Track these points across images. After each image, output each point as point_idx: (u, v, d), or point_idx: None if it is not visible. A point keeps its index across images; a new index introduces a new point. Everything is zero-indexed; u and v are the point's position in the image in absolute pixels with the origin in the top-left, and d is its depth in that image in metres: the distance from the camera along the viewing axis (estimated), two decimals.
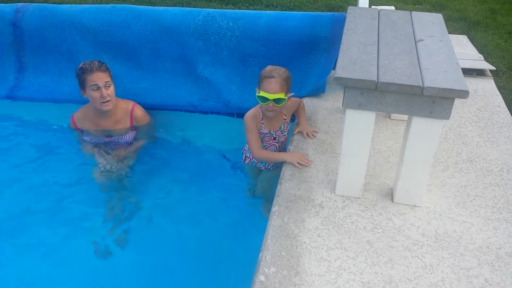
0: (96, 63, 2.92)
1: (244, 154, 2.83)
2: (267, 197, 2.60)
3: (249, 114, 2.62)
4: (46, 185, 3.03)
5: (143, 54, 3.39)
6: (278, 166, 2.72)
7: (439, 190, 2.24)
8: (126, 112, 3.12)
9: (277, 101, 2.44)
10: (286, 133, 2.69)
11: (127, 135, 3.15)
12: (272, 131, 2.63)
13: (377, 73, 1.93)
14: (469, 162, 2.45)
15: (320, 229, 2.00)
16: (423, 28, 2.43)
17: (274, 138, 2.66)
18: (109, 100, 2.94)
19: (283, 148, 2.72)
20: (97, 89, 2.90)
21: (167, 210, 2.83)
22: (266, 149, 2.66)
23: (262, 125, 2.61)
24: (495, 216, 2.08)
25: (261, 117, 2.59)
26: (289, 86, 2.49)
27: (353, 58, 2.05)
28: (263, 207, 2.69)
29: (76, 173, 3.12)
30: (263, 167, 2.78)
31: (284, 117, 2.67)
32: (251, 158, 2.75)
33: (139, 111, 3.16)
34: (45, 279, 2.43)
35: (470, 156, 2.50)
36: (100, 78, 2.89)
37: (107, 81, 2.93)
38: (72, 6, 3.55)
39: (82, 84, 2.94)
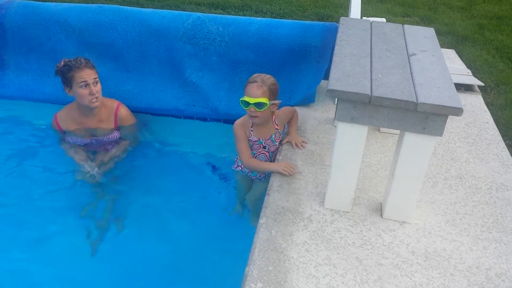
0: (83, 60, 2.85)
1: (236, 162, 2.78)
2: (257, 210, 2.52)
3: (238, 122, 2.58)
4: (23, 186, 2.94)
5: (129, 56, 3.31)
6: (269, 177, 2.67)
7: (429, 207, 2.21)
8: (111, 111, 3.04)
9: (258, 105, 2.40)
10: (277, 143, 2.64)
11: (111, 135, 3.07)
12: (261, 139, 2.58)
13: (371, 87, 1.89)
14: (458, 179, 2.43)
15: (308, 244, 1.95)
16: (416, 42, 2.41)
17: (264, 147, 2.61)
18: (97, 97, 2.88)
19: (274, 158, 2.66)
20: (85, 86, 2.83)
21: (148, 219, 2.75)
22: (256, 157, 2.62)
23: (252, 132, 2.57)
24: (485, 236, 2.06)
25: (251, 124, 2.55)
26: (273, 93, 2.45)
27: (346, 70, 2.01)
28: (252, 220, 2.63)
29: (56, 175, 3.03)
30: (254, 177, 2.72)
31: (276, 126, 2.62)
32: (242, 166, 2.70)
33: (124, 111, 3.08)
34: (26, 278, 2.36)
35: (459, 172, 2.48)
36: (89, 75, 2.83)
37: (95, 78, 2.87)
38: (58, 4, 3.44)
39: (69, 82, 2.84)
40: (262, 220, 2.06)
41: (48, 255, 2.51)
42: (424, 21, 5.92)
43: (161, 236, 2.64)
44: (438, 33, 5.51)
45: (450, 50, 4.29)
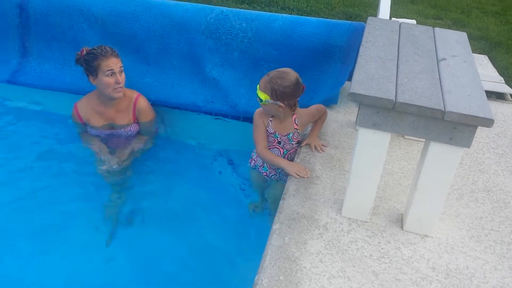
0: (108, 48, 2.82)
1: (252, 157, 2.73)
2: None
3: (259, 109, 2.54)
4: (41, 179, 2.92)
5: (150, 49, 3.25)
6: (281, 178, 2.60)
7: (453, 221, 2.09)
8: (130, 102, 3.01)
9: (259, 97, 2.40)
10: (295, 143, 2.55)
11: (129, 128, 3.03)
12: (278, 133, 2.51)
13: (395, 92, 1.79)
14: (485, 192, 2.30)
15: (322, 254, 1.86)
16: (446, 46, 2.29)
17: (279, 142, 2.54)
18: (121, 87, 2.85)
19: (290, 158, 2.58)
20: (112, 75, 2.80)
21: (164, 215, 2.73)
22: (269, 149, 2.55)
23: (270, 123, 2.52)
24: (511, 254, 1.94)
25: (271, 115, 2.50)
26: (277, 95, 2.35)
27: (371, 73, 1.90)
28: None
29: (74, 167, 3.01)
30: (264, 173, 2.66)
31: (296, 126, 2.53)
32: (256, 160, 2.66)
33: (143, 102, 3.04)
34: (42, 273, 2.34)
35: (487, 185, 2.35)
36: (115, 63, 2.80)
37: (121, 66, 2.85)
38: None
39: (94, 70, 2.80)
40: (275, 226, 1.97)
41: (60, 249, 2.48)
42: (456, 25, 5.73)
43: (173, 234, 2.60)
44: (470, 37, 5.31)
45: (482, 56, 4.13)
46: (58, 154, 3.12)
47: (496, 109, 3.11)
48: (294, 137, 2.54)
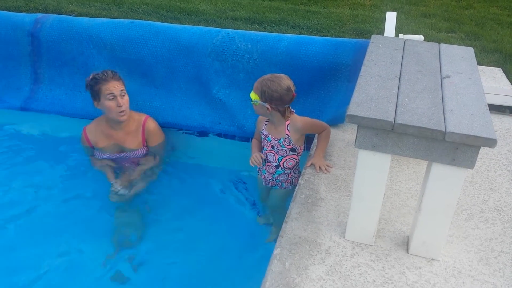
0: (109, 72, 2.89)
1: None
2: (275, 222, 2.66)
3: None
4: (51, 201, 2.98)
5: (158, 72, 3.30)
6: (277, 184, 2.70)
7: (461, 242, 2.03)
8: (139, 124, 3.04)
9: (250, 97, 2.50)
10: (287, 149, 2.58)
11: (139, 151, 3.05)
12: (271, 136, 2.59)
13: (395, 113, 1.75)
14: (496, 212, 2.23)
15: (324, 280, 1.82)
16: (452, 63, 2.24)
17: (273, 147, 2.59)
18: (124, 110, 2.88)
19: (285, 166, 2.63)
20: (112, 98, 2.84)
21: (173, 236, 2.76)
22: (265, 154, 2.64)
23: (265, 126, 2.62)
24: None
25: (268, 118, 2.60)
26: (265, 96, 2.42)
27: (370, 94, 1.88)
28: (272, 233, 2.68)
29: (83, 191, 3.05)
30: (263, 176, 2.73)
31: (287, 132, 2.55)
32: (261, 172, 2.76)
33: (151, 123, 3.08)
34: None
35: (498, 204, 2.28)
36: (115, 86, 2.85)
37: (122, 90, 2.89)
38: (91, 19, 3.49)
39: (97, 95, 2.87)
40: (276, 251, 1.94)
41: (71, 274, 2.51)
42: (470, 38, 5.65)
43: (182, 254, 2.63)
44: (485, 50, 5.25)
45: (496, 68, 4.04)
46: (67, 177, 3.17)
47: (510, 124, 3.03)
48: (286, 143, 2.56)
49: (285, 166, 2.62)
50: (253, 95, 2.47)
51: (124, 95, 2.89)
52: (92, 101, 2.94)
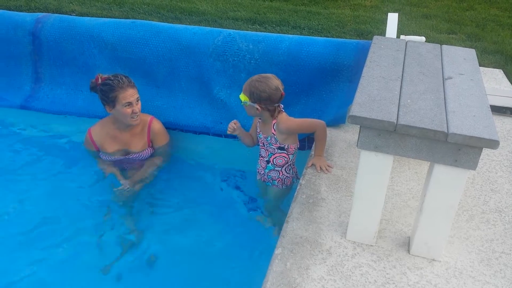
0: (125, 79, 2.83)
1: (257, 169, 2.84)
2: (271, 215, 2.77)
3: None
4: (54, 201, 2.97)
5: (159, 72, 3.30)
6: (268, 180, 2.74)
7: (462, 243, 2.03)
8: (144, 125, 3.04)
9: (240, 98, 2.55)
10: (274, 147, 2.63)
11: (144, 152, 3.05)
12: (261, 134, 2.67)
13: (397, 114, 1.75)
14: (497, 213, 2.23)
15: (325, 280, 1.82)
16: (453, 64, 2.25)
17: (263, 144, 2.68)
18: (138, 115, 2.89)
19: (275, 163, 2.67)
20: (129, 105, 2.82)
21: (174, 236, 2.75)
22: (259, 149, 2.74)
23: (258, 123, 2.69)
24: None
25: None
26: (254, 97, 2.47)
27: (373, 95, 1.88)
28: (267, 222, 2.75)
29: (86, 190, 3.05)
30: (258, 170, 2.79)
31: (273, 131, 2.58)
32: (260, 173, 2.79)
33: (157, 124, 3.08)
34: None
35: (499, 205, 2.28)
36: (132, 95, 2.84)
37: (138, 97, 2.89)
38: (92, 19, 3.49)
39: (112, 102, 2.82)
40: (277, 251, 1.94)
41: (72, 274, 2.51)
42: (471, 39, 5.65)
43: (182, 254, 2.62)
44: (486, 51, 5.25)
45: (497, 70, 4.04)
46: (70, 176, 3.16)
47: (510, 125, 3.03)
48: (272, 142, 2.61)
49: (275, 163, 2.67)
50: (243, 96, 2.51)
51: (138, 101, 2.88)
52: (103, 105, 2.89)
